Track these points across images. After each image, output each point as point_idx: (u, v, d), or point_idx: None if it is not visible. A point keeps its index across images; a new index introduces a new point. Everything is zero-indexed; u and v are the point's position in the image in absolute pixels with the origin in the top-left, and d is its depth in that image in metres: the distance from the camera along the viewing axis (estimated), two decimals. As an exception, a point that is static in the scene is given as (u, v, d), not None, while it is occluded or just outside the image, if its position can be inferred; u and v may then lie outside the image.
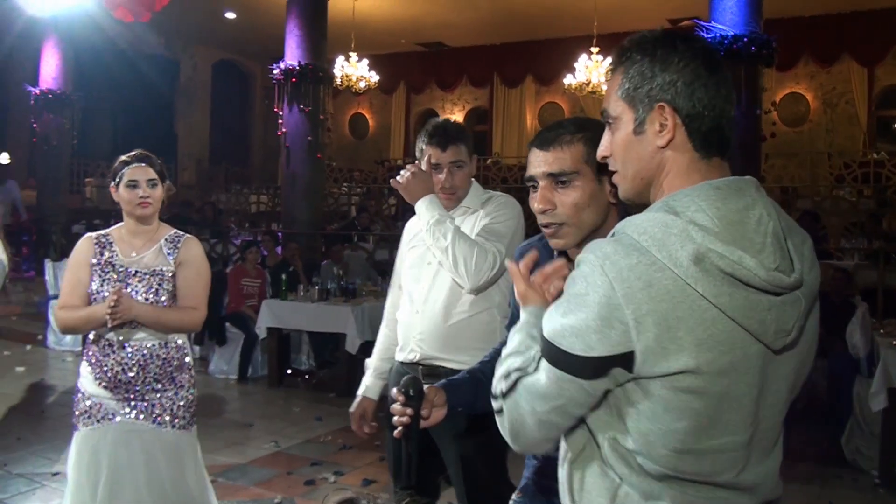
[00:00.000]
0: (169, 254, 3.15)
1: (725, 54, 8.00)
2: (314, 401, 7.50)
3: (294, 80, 11.01)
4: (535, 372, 1.38)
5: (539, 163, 1.80)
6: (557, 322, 1.33)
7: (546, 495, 2.04)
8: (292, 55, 11.12)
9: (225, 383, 8.23)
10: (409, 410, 1.89)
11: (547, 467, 1.95)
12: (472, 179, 2.97)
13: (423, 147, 2.89)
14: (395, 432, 1.91)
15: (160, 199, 3.14)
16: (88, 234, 3.21)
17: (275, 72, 11.20)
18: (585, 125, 1.82)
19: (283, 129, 11.23)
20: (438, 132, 2.85)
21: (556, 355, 1.32)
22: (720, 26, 8.14)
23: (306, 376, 8.61)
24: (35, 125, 14.00)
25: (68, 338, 9.38)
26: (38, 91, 13.87)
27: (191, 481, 3.16)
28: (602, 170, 1.65)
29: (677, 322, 1.25)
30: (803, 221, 9.06)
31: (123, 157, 3.14)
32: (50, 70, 13.94)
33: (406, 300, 2.98)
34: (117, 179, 3.11)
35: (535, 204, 1.79)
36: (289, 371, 8.58)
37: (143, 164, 3.11)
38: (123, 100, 18.08)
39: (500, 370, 1.48)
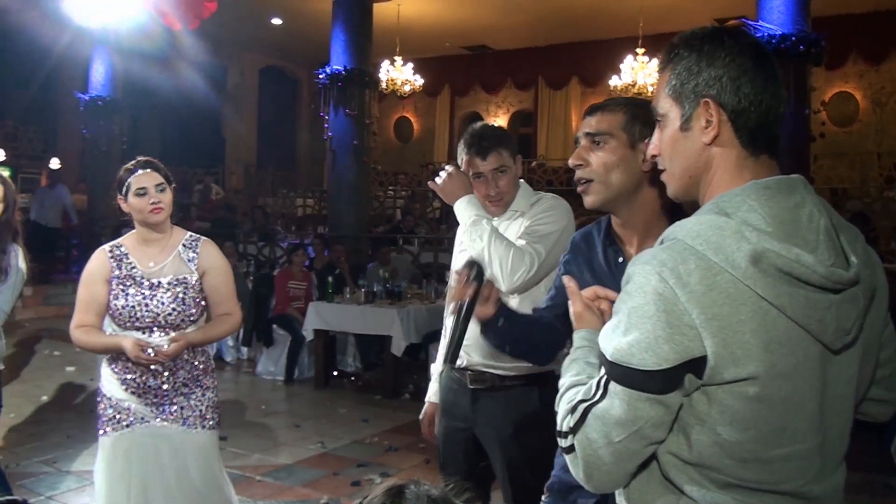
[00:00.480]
0: (189, 260, 3.12)
1: (773, 54, 7.90)
2: (360, 402, 7.56)
3: (340, 84, 11.11)
4: (604, 398, 1.31)
5: (583, 125, 1.98)
6: (621, 341, 1.27)
7: (572, 492, 2.13)
8: (338, 60, 11.22)
9: (272, 384, 8.33)
10: (471, 289, 1.87)
11: None
12: (521, 181, 2.89)
13: (464, 156, 2.83)
14: (452, 307, 1.90)
15: (170, 203, 3.10)
16: (102, 248, 3.16)
17: (321, 76, 11.31)
18: (632, 101, 1.99)
19: (329, 134, 11.33)
20: (476, 140, 2.79)
21: (626, 376, 1.27)
22: (768, 25, 8.05)
23: (352, 378, 8.67)
24: (85, 131, 14.28)
25: (118, 338, 9.54)
26: (87, 98, 14.16)
27: (220, 480, 3.18)
28: (637, 142, 1.88)
29: (741, 325, 1.23)
30: (853, 224, 8.88)
31: (127, 166, 3.10)
32: (99, 77, 14.22)
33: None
34: (124, 189, 3.05)
35: (571, 159, 1.95)
36: (335, 373, 8.65)
37: (149, 170, 3.06)
38: (171, 106, 18.33)
39: (563, 406, 1.41)
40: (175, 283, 3.05)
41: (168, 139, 19.04)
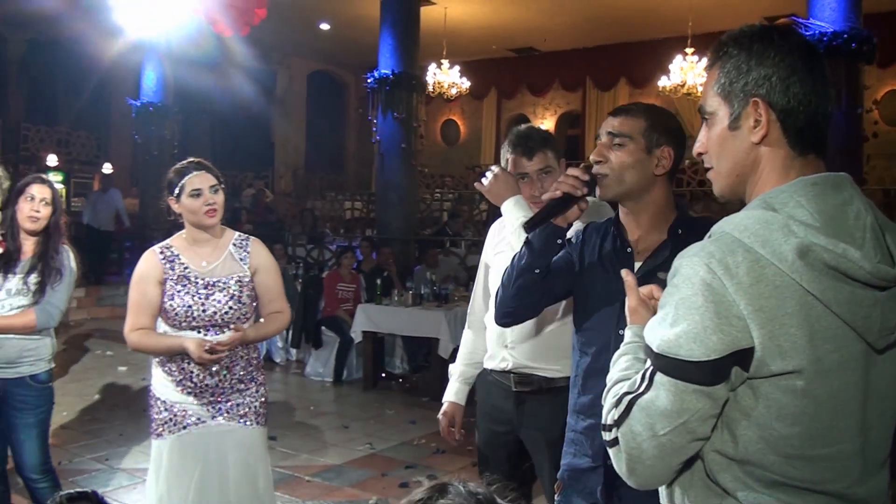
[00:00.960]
0: (241, 259, 3.13)
1: (825, 52, 7.74)
2: (408, 404, 7.58)
3: (388, 88, 11.14)
4: (650, 390, 1.30)
5: (606, 124, 2.12)
6: (668, 333, 1.27)
7: (581, 478, 2.19)
8: (386, 64, 11.26)
9: (321, 385, 8.39)
10: (585, 190, 2.05)
11: None
12: None
13: (508, 157, 2.81)
14: (558, 190, 2.06)
15: (223, 204, 3.10)
16: (151, 249, 3.15)
17: (369, 80, 11.36)
18: (653, 109, 2.15)
19: (377, 137, 11.37)
20: (522, 140, 2.77)
21: (674, 367, 1.26)
22: (819, 23, 7.89)
23: (400, 380, 8.71)
24: (137, 136, 14.53)
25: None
26: (139, 104, 14.41)
27: (270, 477, 3.20)
28: (653, 148, 2.05)
29: (788, 318, 1.23)
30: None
31: (178, 167, 3.10)
32: (150, 83, 14.47)
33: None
34: (177, 190, 3.04)
35: (592, 154, 2.10)
36: (383, 374, 8.68)
37: (203, 172, 3.06)
38: (221, 111, 18.61)
39: (609, 399, 1.40)
40: (230, 281, 3.07)
41: (218, 144, 19.31)
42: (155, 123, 14.33)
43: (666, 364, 1.27)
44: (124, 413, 6.85)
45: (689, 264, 1.28)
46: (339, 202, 17.97)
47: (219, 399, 3.04)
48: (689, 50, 14.07)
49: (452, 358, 7.68)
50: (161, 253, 3.10)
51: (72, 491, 1.49)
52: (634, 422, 1.31)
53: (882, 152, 14.71)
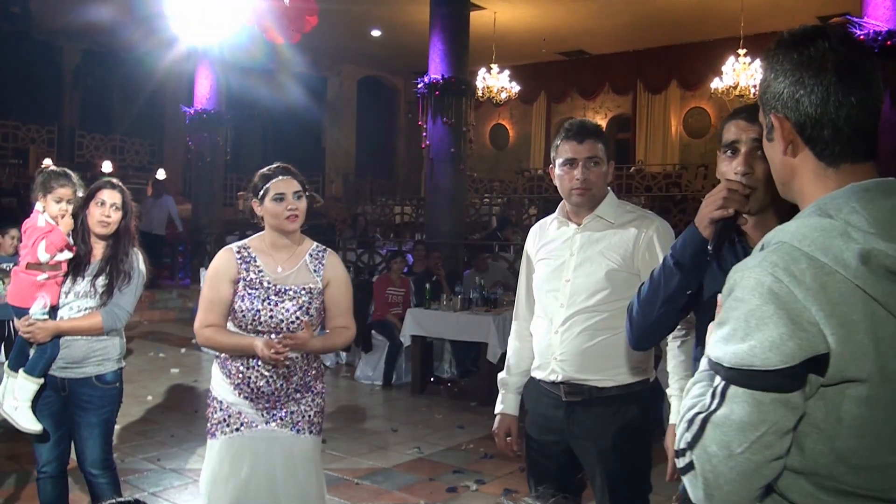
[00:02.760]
0: (315, 270, 3.15)
1: (880, 51, 7.57)
2: (456, 409, 7.58)
3: (437, 93, 11.16)
4: (723, 405, 1.26)
5: (746, 129, 1.96)
6: (741, 346, 1.24)
7: None
8: (435, 69, 11.29)
9: (370, 389, 8.43)
10: (748, 206, 1.91)
11: None
12: (609, 189, 2.84)
13: (559, 143, 2.79)
14: (730, 208, 1.88)
15: (305, 210, 3.12)
16: (228, 247, 3.18)
17: (419, 86, 11.39)
18: None
19: (427, 142, 11.40)
20: (575, 127, 2.76)
21: (749, 378, 1.23)
22: (873, 22, 7.70)
23: (448, 384, 8.71)
24: (190, 143, 14.78)
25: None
26: (192, 111, 14.65)
27: (322, 486, 3.20)
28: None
29: (855, 325, 1.21)
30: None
31: (264, 171, 3.13)
32: (203, 91, 14.69)
33: (542, 316, 2.87)
34: (261, 193, 3.08)
35: (737, 166, 1.95)
36: (431, 378, 8.69)
37: (288, 177, 3.09)
38: (273, 117, 18.86)
39: (682, 424, 1.35)
40: (301, 292, 3.08)
41: (270, 149, 19.57)
42: (208, 130, 14.55)
43: (740, 376, 1.24)
44: (176, 415, 6.97)
45: (752, 276, 1.26)
46: (389, 207, 18.06)
47: (274, 406, 3.06)
48: (741, 51, 13.86)
49: (501, 362, 7.67)
50: (238, 252, 3.13)
51: (113, 501, 1.51)
52: (709, 441, 1.26)
53: (941, 154, 14.31)
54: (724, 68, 14.17)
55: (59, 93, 17.64)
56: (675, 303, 2.07)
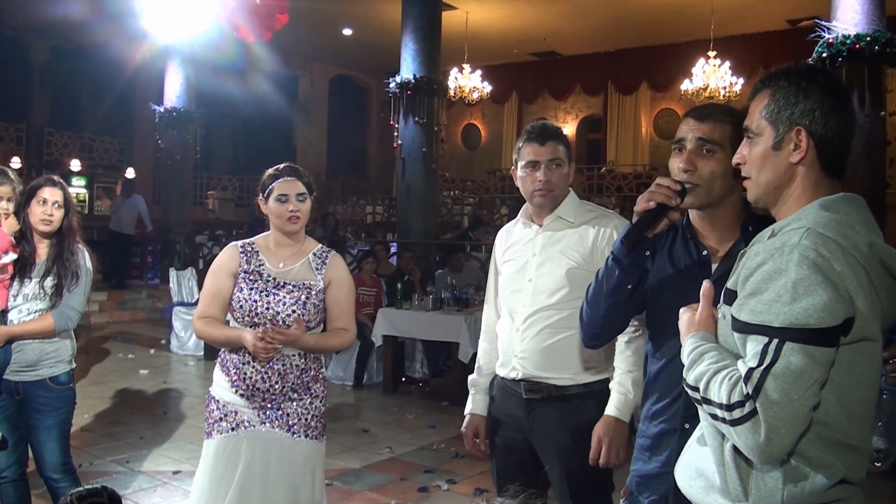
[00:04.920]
0: (317, 269, 3.15)
1: (847, 54, 7.67)
2: (428, 408, 7.58)
3: (409, 93, 11.16)
4: (778, 360, 1.46)
5: (693, 128, 2.07)
6: (793, 308, 1.46)
7: (645, 489, 2.17)
8: (407, 69, 11.28)
9: (341, 389, 8.40)
10: (679, 200, 2.00)
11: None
12: (570, 189, 2.90)
13: (521, 146, 2.85)
14: (648, 203, 1.99)
15: (308, 213, 3.14)
16: (234, 243, 3.21)
17: (391, 85, 11.38)
18: (733, 113, 2.09)
19: (399, 142, 11.39)
20: (537, 129, 2.83)
21: (805, 335, 1.45)
22: (841, 25, 7.79)
23: (420, 384, 8.70)
24: (160, 141, 14.64)
25: (191, 342, 9.80)
26: (162, 109, 14.48)
27: (318, 493, 3.16)
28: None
29: (868, 296, 1.49)
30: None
31: (271, 171, 3.15)
32: (174, 89, 14.53)
33: (505, 315, 2.93)
34: (266, 192, 3.11)
35: (679, 163, 2.06)
36: (403, 378, 8.68)
37: (293, 178, 3.11)
38: (244, 116, 18.73)
39: (723, 383, 1.52)
40: (300, 286, 3.09)
41: (240, 148, 19.44)
42: (178, 128, 14.39)
43: (798, 334, 1.46)
44: (145, 416, 6.90)
45: (793, 251, 1.49)
46: (361, 206, 18.02)
47: (270, 405, 3.04)
48: (711, 53, 14.01)
49: (472, 362, 7.68)
50: (242, 248, 3.17)
51: (82, 489, 1.49)
52: (771, 390, 1.45)
53: (905, 156, 14.50)
54: (694, 70, 14.32)
55: (27, 90, 17.36)
56: (618, 297, 2.16)
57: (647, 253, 2.11)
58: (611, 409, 2.66)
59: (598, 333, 2.31)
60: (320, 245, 3.27)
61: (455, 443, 6.17)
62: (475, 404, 3.05)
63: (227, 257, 3.15)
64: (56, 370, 3.53)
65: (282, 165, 3.18)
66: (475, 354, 3.44)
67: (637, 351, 2.64)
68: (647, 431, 2.19)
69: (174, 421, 6.73)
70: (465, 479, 5.37)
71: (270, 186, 3.10)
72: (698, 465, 1.69)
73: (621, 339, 2.67)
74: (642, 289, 2.18)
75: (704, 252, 2.08)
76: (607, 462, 2.64)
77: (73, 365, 3.65)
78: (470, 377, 3.11)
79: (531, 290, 2.82)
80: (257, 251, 3.15)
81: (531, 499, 1.29)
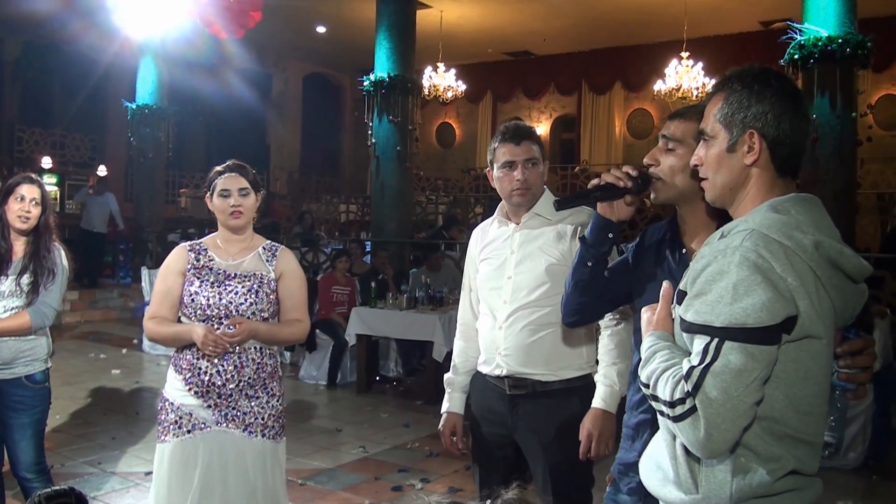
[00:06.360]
0: (268, 261, 3.15)
1: (819, 56, 7.76)
2: (402, 408, 7.58)
3: (383, 91, 11.14)
4: (718, 358, 1.50)
5: (664, 127, 2.16)
6: (733, 308, 1.50)
7: (625, 476, 2.23)
8: (382, 67, 11.26)
9: (315, 389, 8.37)
10: (629, 184, 2.13)
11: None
12: (546, 187, 2.95)
13: (496, 146, 2.89)
14: (603, 180, 2.14)
15: (252, 208, 3.13)
16: (182, 244, 3.20)
17: (365, 84, 11.36)
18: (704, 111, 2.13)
19: (373, 140, 11.37)
20: (512, 130, 2.87)
21: (744, 334, 1.49)
22: (813, 27, 7.89)
23: (394, 383, 8.70)
24: (132, 139, 14.49)
25: (163, 342, 9.70)
26: (134, 106, 14.30)
27: (279, 493, 3.15)
28: None
29: (813, 295, 1.53)
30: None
31: (218, 168, 3.15)
32: (146, 85, 14.36)
33: (486, 313, 2.95)
34: (211, 189, 3.11)
35: (645, 158, 2.16)
36: (377, 378, 8.67)
37: (235, 174, 3.10)
38: (216, 113, 18.59)
39: (668, 382, 1.57)
40: (251, 276, 3.08)
41: (213, 146, 19.31)
42: (150, 126, 14.24)
43: (737, 333, 1.50)
44: (117, 417, 6.84)
45: (734, 254, 1.53)
46: (335, 205, 17.95)
47: (226, 402, 3.00)
48: (684, 54, 14.10)
49: (447, 361, 7.71)
50: (191, 247, 3.17)
51: (49, 490, 1.48)
52: (709, 388, 1.49)
53: (876, 156, 14.71)
54: (667, 71, 14.41)
55: (-2, 86, 17.18)
56: (580, 274, 2.28)
57: (611, 235, 2.21)
58: (597, 402, 2.71)
59: (574, 311, 2.38)
60: (269, 241, 3.26)
61: (429, 442, 6.18)
62: (452, 403, 3.07)
63: (175, 257, 3.15)
64: (32, 368, 3.52)
65: (227, 162, 3.17)
66: (450, 353, 3.46)
67: (620, 343, 2.71)
68: (629, 421, 2.25)
69: (147, 421, 6.67)
70: (440, 478, 5.37)
71: (214, 182, 3.11)
72: (657, 458, 1.73)
73: (604, 333, 2.74)
74: (621, 279, 2.27)
75: (683, 251, 2.14)
76: (598, 454, 2.68)
77: (50, 364, 3.64)
78: (446, 376, 3.13)
79: (511, 287, 2.85)
80: (206, 248, 3.16)
81: (519, 494, 1.26)
